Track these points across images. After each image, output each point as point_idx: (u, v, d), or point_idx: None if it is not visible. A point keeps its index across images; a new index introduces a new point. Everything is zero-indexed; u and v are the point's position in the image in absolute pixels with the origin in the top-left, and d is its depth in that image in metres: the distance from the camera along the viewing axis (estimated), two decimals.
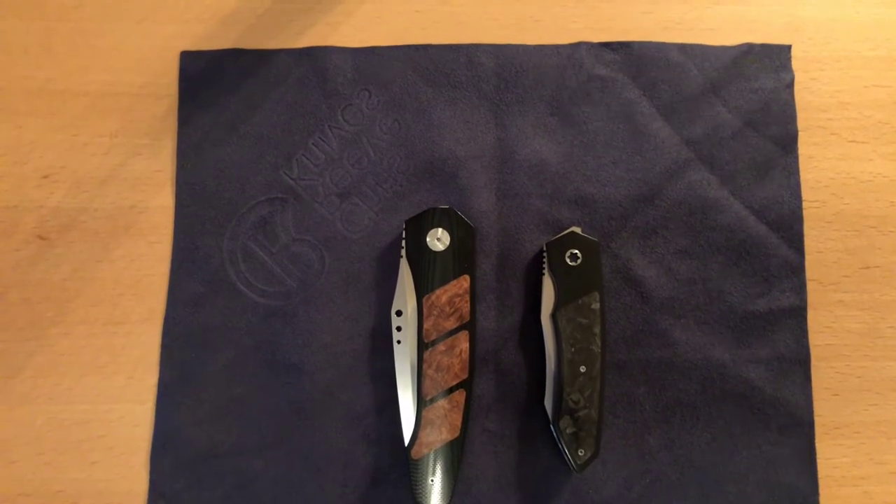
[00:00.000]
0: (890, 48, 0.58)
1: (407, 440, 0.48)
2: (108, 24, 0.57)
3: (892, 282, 0.55)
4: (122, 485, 0.52)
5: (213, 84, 0.56)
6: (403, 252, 0.51)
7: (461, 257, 0.50)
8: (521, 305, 0.54)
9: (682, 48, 0.57)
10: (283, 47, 0.57)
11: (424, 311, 0.49)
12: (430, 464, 0.48)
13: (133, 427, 0.52)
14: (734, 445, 0.52)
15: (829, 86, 0.57)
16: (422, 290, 0.49)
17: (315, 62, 0.56)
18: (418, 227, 0.51)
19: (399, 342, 0.50)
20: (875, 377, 0.54)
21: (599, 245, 0.52)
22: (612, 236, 0.54)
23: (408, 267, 0.50)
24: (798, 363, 0.53)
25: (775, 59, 0.57)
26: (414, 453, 0.48)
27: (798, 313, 0.54)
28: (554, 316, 0.50)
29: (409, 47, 0.56)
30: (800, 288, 0.54)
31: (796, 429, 0.53)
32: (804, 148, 0.56)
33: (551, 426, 0.50)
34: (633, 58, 0.57)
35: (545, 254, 0.52)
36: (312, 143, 0.55)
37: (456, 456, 0.48)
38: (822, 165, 0.56)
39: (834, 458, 0.53)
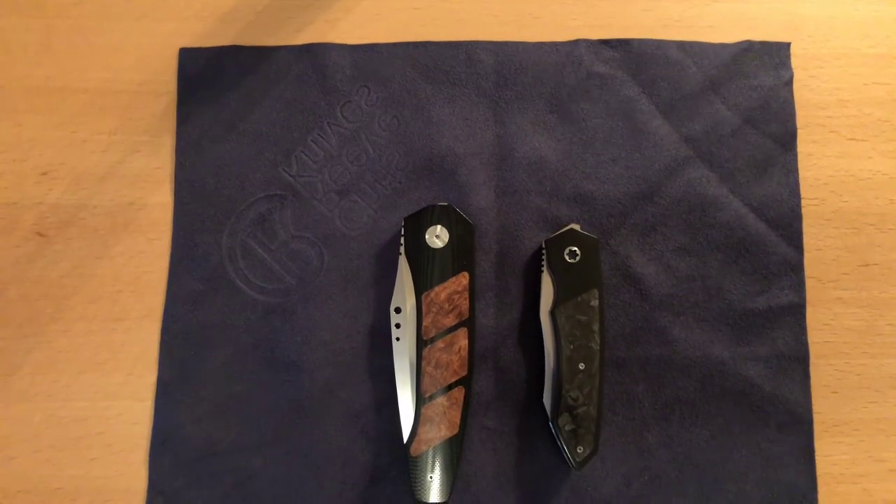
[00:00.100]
0: (889, 45, 0.57)
1: (406, 437, 0.48)
2: (108, 21, 0.56)
3: (891, 279, 0.55)
4: (120, 482, 0.51)
5: (212, 81, 0.56)
6: (402, 249, 0.50)
7: (460, 254, 0.50)
8: (520, 302, 0.53)
9: (682, 45, 0.57)
10: (282, 44, 0.56)
11: (423, 308, 0.49)
12: (429, 461, 0.48)
13: (132, 424, 0.52)
14: (733, 443, 0.52)
15: (829, 83, 0.57)
16: (421, 287, 0.49)
17: (314, 59, 0.56)
18: (417, 224, 0.50)
19: (398, 339, 0.49)
20: (874, 374, 0.54)
21: (598, 242, 0.52)
22: (612, 233, 0.54)
23: (407, 264, 0.50)
24: (797, 361, 0.53)
25: (774, 56, 0.56)
26: (413, 450, 0.48)
27: (797, 311, 0.54)
28: (553, 313, 0.50)
29: (408, 44, 0.56)
30: (799, 285, 0.54)
31: (795, 426, 0.52)
32: (803, 145, 0.56)
33: (550, 423, 0.50)
34: (632, 55, 0.56)
35: (544, 251, 0.51)
36: (311, 140, 0.55)
37: (455, 453, 0.48)
38: (821, 163, 0.56)
39: (833, 455, 0.53)
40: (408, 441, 0.48)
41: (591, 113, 0.56)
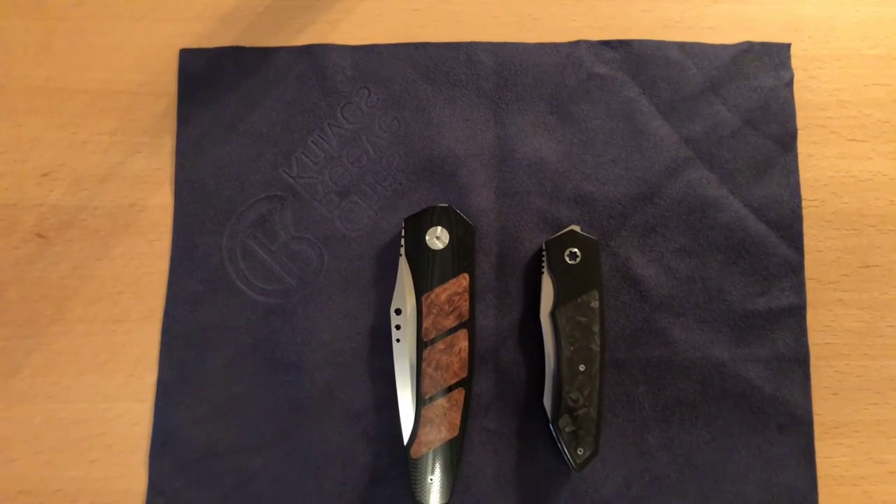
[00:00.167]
0: (889, 46, 0.57)
1: (406, 439, 0.48)
2: (108, 22, 0.56)
3: (891, 280, 0.55)
4: (120, 483, 0.51)
5: (212, 82, 0.56)
6: (402, 250, 0.50)
7: (460, 256, 0.50)
8: (521, 304, 0.53)
9: (682, 46, 0.56)
10: (282, 45, 0.56)
11: (424, 309, 0.49)
12: (430, 462, 0.48)
13: (132, 425, 0.52)
14: (733, 444, 0.52)
15: (829, 84, 0.57)
16: (421, 289, 0.49)
17: (315, 60, 0.56)
18: (417, 225, 0.50)
19: (398, 341, 0.49)
20: (874, 376, 0.54)
21: (599, 243, 0.52)
22: (612, 235, 0.54)
23: (407, 265, 0.50)
24: (797, 362, 0.53)
25: (775, 57, 0.56)
26: (413, 452, 0.48)
27: (797, 312, 0.53)
28: (553, 314, 0.50)
29: (408, 45, 0.56)
30: (799, 287, 0.54)
31: (795, 428, 0.52)
32: (803, 146, 0.55)
33: (550, 425, 0.50)
34: (632, 56, 0.56)
35: (544, 252, 0.51)
36: (312, 142, 0.55)
37: (455, 455, 0.48)
38: (821, 164, 0.56)
39: (833, 457, 0.53)
40: (408, 443, 0.48)
41: (592, 114, 0.56)
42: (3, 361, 0.52)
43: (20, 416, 0.52)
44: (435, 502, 0.48)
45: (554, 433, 0.49)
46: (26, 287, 0.53)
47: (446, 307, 0.49)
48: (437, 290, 0.49)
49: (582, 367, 0.49)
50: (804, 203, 0.55)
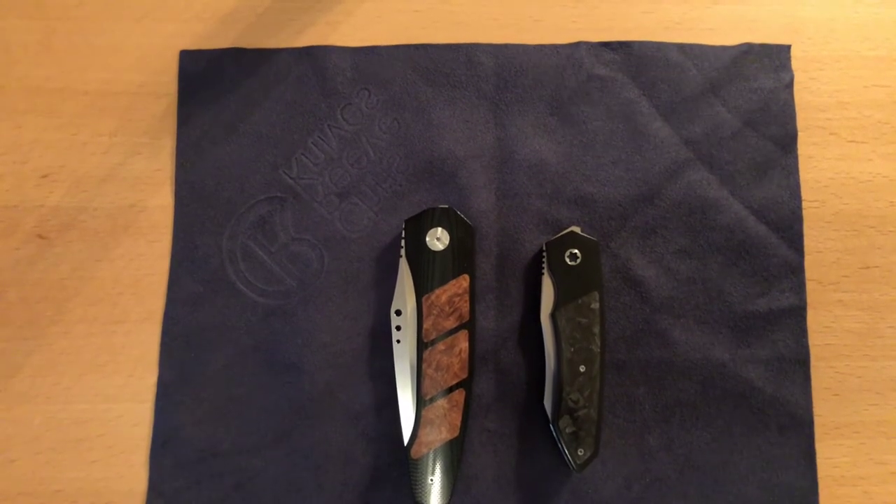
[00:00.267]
0: (889, 48, 0.57)
1: (406, 440, 0.48)
2: (108, 22, 0.56)
3: (891, 281, 0.55)
4: (121, 484, 0.51)
5: (212, 83, 0.56)
6: (403, 251, 0.50)
7: (460, 257, 0.50)
8: (521, 305, 0.53)
9: (682, 48, 0.57)
10: (282, 46, 0.56)
11: (424, 310, 0.49)
12: (430, 463, 0.48)
13: (132, 426, 0.52)
14: (734, 445, 0.52)
15: (829, 86, 0.57)
16: (421, 290, 0.49)
17: (315, 61, 0.56)
18: (418, 226, 0.50)
19: (398, 342, 0.49)
20: (875, 377, 0.54)
21: (599, 245, 0.52)
22: (612, 236, 0.54)
23: (407, 266, 0.50)
24: (798, 363, 0.53)
25: (775, 58, 0.56)
26: (413, 453, 0.48)
27: (798, 313, 0.54)
28: (553, 315, 0.50)
29: (408, 47, 0.56)
30: (799, 288, 0.54)
31: (796, 429, 0.52)
32: (803, 148, 0.56)
33: (551, 426, 0.50)
34: (632, 58, 0.56)
35: (545, 253, 0.51)
36: (312, 143, 0.55)
37: (455, 455, 0.48)
38: (821, 165, 0.56)
39: (834, 457, 0.53)
40: (408, 443, 0.48)
41: (592, 115, 0.56)
42: (3, 362, 0.52)
43: (20, 417, 0.52)
44: (435, 503, 0.48)
45: (554, 434, 0.49)
46: (26, 288, 0.53)
47: (447, 308, 0.49)
48: (437, 292, 0.49)
49: (582, 368, 0.49)
50: (804, 204, 0.55)
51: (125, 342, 0.53)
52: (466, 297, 0.49)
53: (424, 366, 0.48)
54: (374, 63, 0.56)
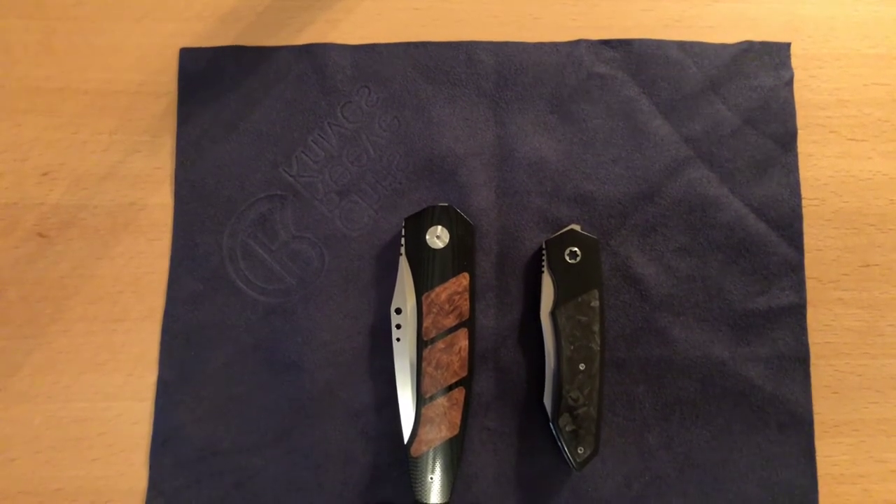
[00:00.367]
0: (889, 46, 0.57)
1: (406, 438, 0.48)
2: (108, 22, 0.56)
3: (891, 280, 0.55)
4: (121, 482, 0.52)
5: (212, 81, 0.56)
6: (403, 250, 0.50)
7: (460, 255, 0.50)
8: (521, 303, 0.53)
9: (682, 46, 0.57)
10: (282, 44, 0.56)
11: (424, 308, 0.49)
12: (430, 461, 0.48)
13: (132, 425, 0.52)
14: (734, 443, 0.52)
15: (829, 84, 0.57)
16: (421, 288, 0.49)
17: (315, 59, 0.56)
18: (418, 224, 0.50)
19: (398, 340, 0.50)
20: (874, 375, 0.54)
21: (599, 243, 0.52)
22: (612, 234, 0.54)
23: (407, 265, 0.50)
24: (797, 361, 0.53)
25: (775, 56, 0.56)
26: (413, 451, 0.48)
27: (797, 311, 0.54)
28: (553, 314, 0.50)
29: (408, 44, 0.56)
30: (799, 286, 0.54)
31: (796, 427, 0.52)
32: (803, 146, 0.56)
33: (551, 424, 0.50)
34: (632, 55, 0.56)
35: (545, 251, 0.51)
36: (312, 141, 0.55)
37: (455, 453, 0.48)
38: (821, 163, 0.56)
39: (833, 455, 0.53)
40: (408, 442, 0.48)
41: (592, 113, 0.56)
42: (3, 361, 0.52)
43: (20, 416, 0.52)
44: (435, 501, 0.48)
45: (554, 432, 0.50)
46: (26, 286, 0.53)
47: (446, 306, 0.49)
48: (437, 290, 0.49)
49: (582, 366, 0.49)
50: (804, 202, 0.55)
51: (125, 340, 0.53)
52: (466, 295, 0.50)
53: (424, 364, 0.48)
54: (374, 61, 0.56)
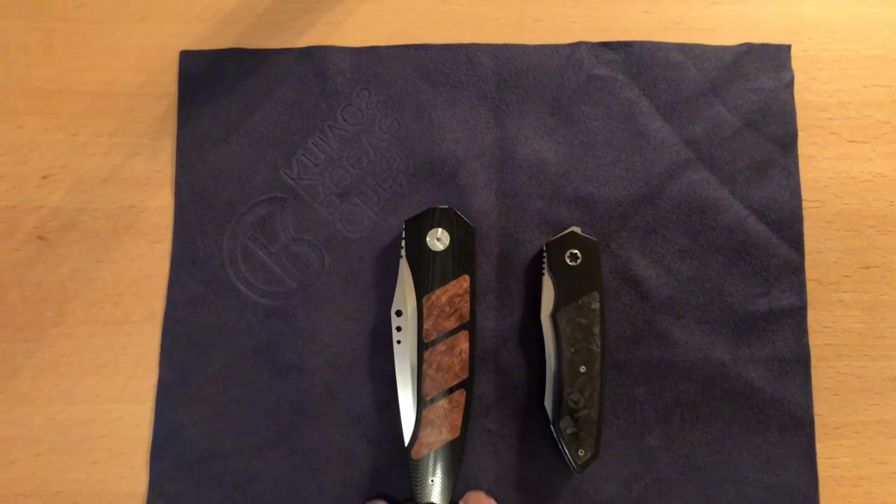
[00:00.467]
0: (889, 48, 0.58)
1: (407, 440, 0.49)
2: (108, 23, 0.57)
3: (891, 281, 0.55)
4: (121, 485, 0.52)
5: (212, 84, 0.56)
6: (403, 252, 0.51)
7: (461, 257, 0.50)
8: (521, 305, 0.54)
9: (682, 48, 0.57)
10: (283, 47, 0.57)
11: (424, 311, 0.49)
12: (431, 464, 0.48)
13: (133, 427, 0.52)
14: (734, 445, 0.53)
15: (829, 85, 0.57)
16: (422, 290, 0.50)
17: (315, 62, 0.56)
18: (418, 226, 0.51)
19: (399, 342, 0.50)
20: (875, 377, 0.54)
21: (599, 245, 0.53)
22: (612, 236, 0.55)
23: (408, 267, 0.50)
24: (798, 363, 0.53)
25: (775, 58, 0.57)
26: (414, 453, 0.48)
27: (798, 313, 0.54)
28: (554, 316, 0.50)
29: (409, 47, 0.57)
30: (800, 288, 0.54)
31: (796, 429, 0.53)
32: (804, 147, 0.56)
33: (551, 426, 0.50)
34: (632, 58, 0.57)
35: (545, 254, 0.52)
36: (312, 143, 0.55)
37: (456, 456, 0.49)
38: (821, 165, 0.56)
39: (834, 457, 0.53)
40: (409, 444, 0.48)
41: (592, 115, 0.56)
42: (3, 364, 0.53)
43: (21, 418, 0.52)
44: (436, 502, 0.48)
45: (555, 434, 0.50)
46: (27, 289, 0.54)
47: (447, 309, 0.49)
48: (437, 292, 0.50)
49: (583, 369, 0.49)
50: (804, 204, 0.55)
51: (126, 343, 0.53)
52: (467, 297, 0.50)
53: (425, 366, 0.49)
54: (374, 63, 0.56)
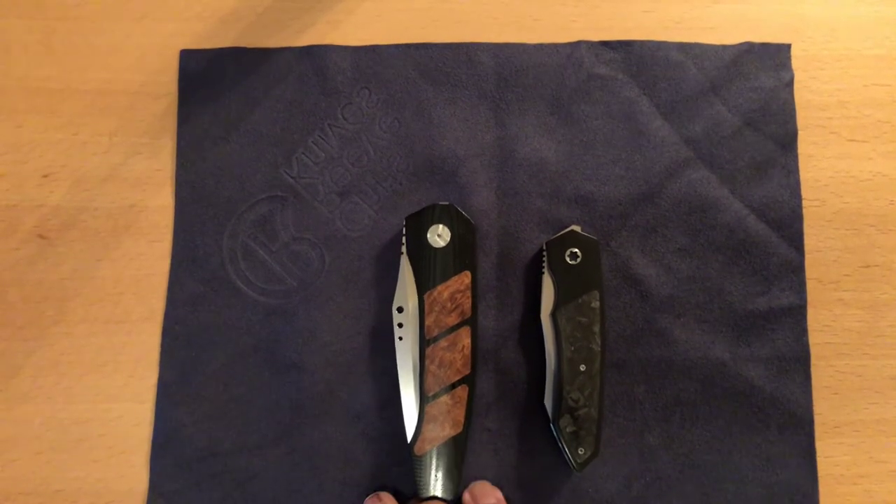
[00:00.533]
0: (890, 47, 0.58)
1: (410, 436, 0.49)
2: (108, 22, 0.57)
3: (891, 280, 0.56)
4: (121, 484, 0.52)
5: (212, 82, 0.57)
6: (404, 248, 0.51)
7: (462, 253, 0.51)
8: (521, 304, 0.54)
9: (682, 47, 0.57)
10: (283, 46, 0.57)
11: (426, 307, 0.50)
12: (434, 459, 0.49)
13: (133, 426, 0.53)
14: (734, 444, 0.53)
15: (829, 84, 0.58)
16: (423, 287, 0.50)
17: (315, 60, 0.57)
18: (418, 223, 0.51)
19: (401, 339, 0.50)
20: (875, 376, 0.55)
21: (599, 244, 0.53)
22: (612, 235, 0.55)
23: (408, 263, 0.51)
24: (798, 362, 0.54)
25: (775, 57, 0.57)
26: (417, 449, 0.49)
27: (798, 312, 0.54)
28: (554, 315, 0.51)
29: (409, 46, 0.57)
30: (799, 286, 0.55)
31: (796, 427, 0.53)
32: (804, 147, 0.57)
33: (551, 425, 0.51)
34: (632, 57, 0.57)
35: (545, 252, 0.52)
36: (312, 142, 0.56)
37: (459, 451, 0.49)
38: (821, 164, 0.57)
39: (834, 456, 0.54)
40: (412, 440, 0.49)
41: (592, 114, 0.57)
42: (4, 362, 0.53)
43: (21, 417, 0.53)
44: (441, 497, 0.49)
45: (555, 433, 0.50)
46: (27, 288, 0.54)
47: (448, 304, 0.50)
48: (439, 288, 0.50)
49: (583, 367, 0.50)
50: (804, 203, 0.56)
51: (126, 342, 0.54)
52: (468, 293, 0.50)
53: (427, 362, 0.49)
54: (374, 62, 0.57)
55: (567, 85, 0.57)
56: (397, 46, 0.57)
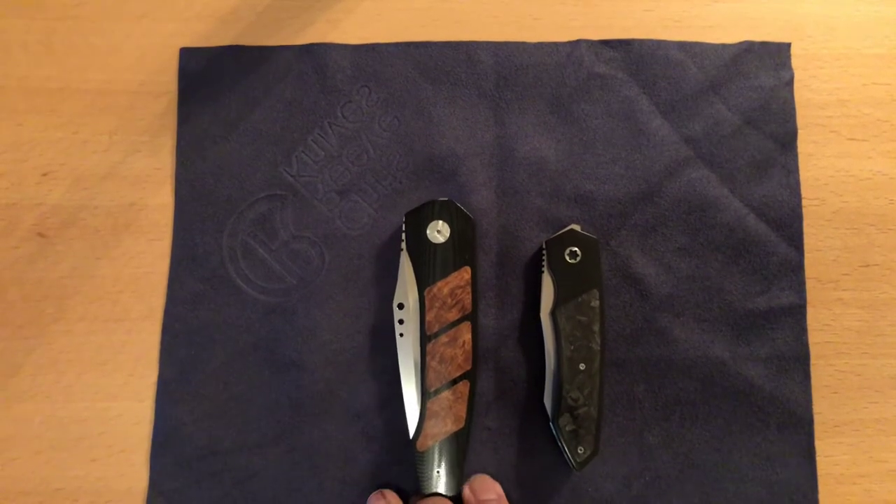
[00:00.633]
0: (889, 46, 0.59)
1: (412, 433, 0.50)
2: (108, 21, 0.58)
3: (891, 280, 0.57)
4: (121, 482, 0.53)
5: (212, 81, 0.58)
6: (404, 245, 0.52)
7: (461, 249, 0.52)
8: (521, 303, 0.55)
9: (682, 46, 0.58)
10: (282, 44, 0.58)
11: (426, 303, 0.51)
12: (436, 455, 0.50)
13: (132, 425, 0.54)
14: (734, 443, 0.54)
15: (829, 84, 0.58)
16: (423, 283, 0.51)
17: (315, 59, 0.58)
18: (418, 219, 0.52)
19: (401, 335, 0.51)
20: (875, 375, 0.55)
21: (599, 243, 0.54)
22: (612, 234, 0.56)
23: (408, 260, 0.52)
24: (797, 361, 0.55)
25: (775, 56, 0.58)
26: (419, 445, 0.50)
27: (797, 311, 0.55)
28: (553, 313, 0.52)
29: (408, 44, 0.58)
30: (799, 286, 0.56)
31: (796, 427, 0.54)
32: (803, 146, 0.57)
33: (551, 424, 0.51)
34: (632, 55, 0.58)
35: (544, 251, 0.53)
36: (312, 140, 0.57)
37: (461, 446, 0.50)
38: (821, 163, 0.57)
39: (834, 455, 0.54)
40: (414, 436, 0.50)
41: (592, 113, 0.57)
42: (3, 361, 0.54)
43: (21, 416, 0.54)
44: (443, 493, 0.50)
45: (554, 432, 0.51)
46: (27, 286, 0.55)
47: (449, 300, 0.51)
48: (439, 284, 0.51)
49: (582, 366, 0.51)
50: (804, 202, 0.57)
51: (125, 340, 0.55)
52: (468, 288, 0.51)
53: (428, 358, 0.50)
54: (374, 61, 0.58)
55: (567, 84, 0.58)
56: (397, 45, 0.58)
